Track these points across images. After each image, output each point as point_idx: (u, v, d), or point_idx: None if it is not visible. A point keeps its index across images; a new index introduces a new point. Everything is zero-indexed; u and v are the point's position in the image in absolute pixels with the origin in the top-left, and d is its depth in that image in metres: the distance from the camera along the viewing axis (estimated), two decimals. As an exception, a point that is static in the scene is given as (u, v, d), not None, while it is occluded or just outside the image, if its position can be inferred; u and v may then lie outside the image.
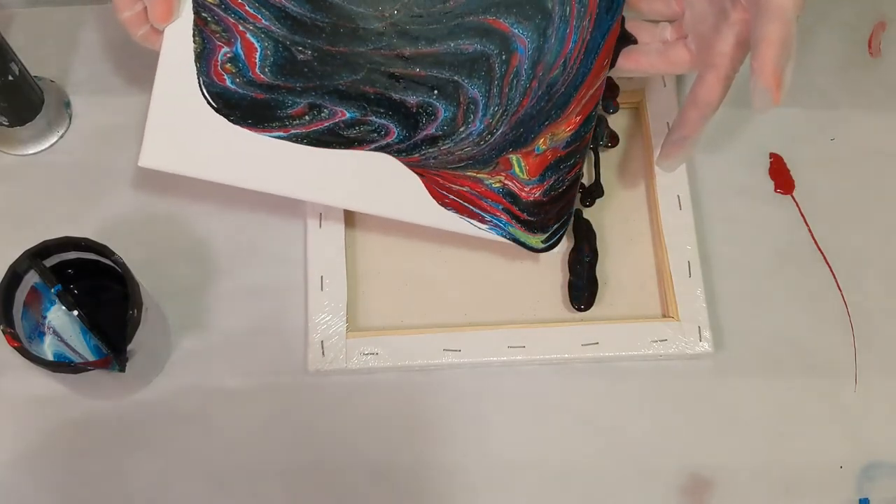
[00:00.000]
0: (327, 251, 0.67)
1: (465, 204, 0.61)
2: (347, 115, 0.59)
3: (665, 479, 0.64)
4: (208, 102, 0.58)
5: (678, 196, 0.69)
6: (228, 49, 0.58)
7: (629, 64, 0.61)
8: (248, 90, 0.59)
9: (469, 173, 0.60)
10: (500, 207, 0.61)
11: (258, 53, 0.58)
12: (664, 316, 0.67)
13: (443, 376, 0.66)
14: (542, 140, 0.60)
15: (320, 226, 0.68)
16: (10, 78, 0.66)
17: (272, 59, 0.59)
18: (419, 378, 0.66)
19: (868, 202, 0.71)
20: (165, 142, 0.59)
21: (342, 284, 0.67)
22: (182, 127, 0.59)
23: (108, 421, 0.65)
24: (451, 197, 0.61)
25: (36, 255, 0.59)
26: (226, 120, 0.58)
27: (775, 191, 0.71)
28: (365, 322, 0.67)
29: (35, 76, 0.70)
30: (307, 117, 0.59)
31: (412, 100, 0.60)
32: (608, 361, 0.66)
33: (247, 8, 0.58)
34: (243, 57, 0.58)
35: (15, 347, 0.58)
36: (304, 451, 0.65)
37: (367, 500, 0.64)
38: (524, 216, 0.62)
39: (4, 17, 0.74)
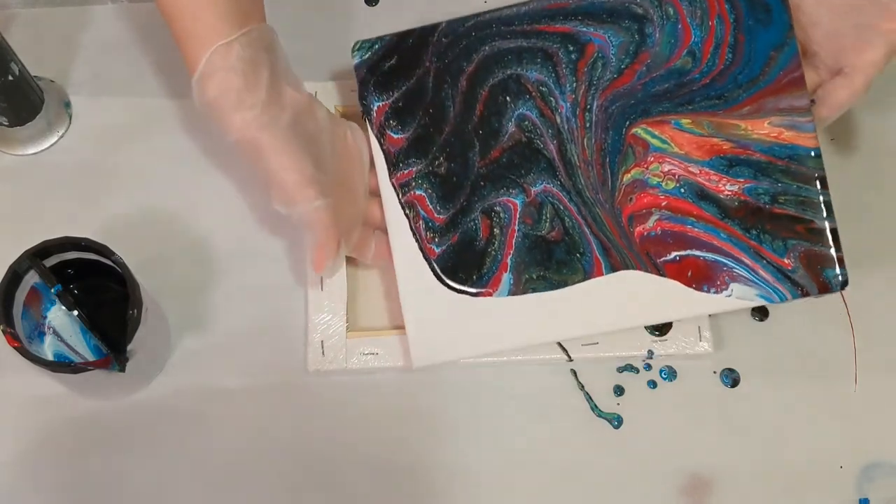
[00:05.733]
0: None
1: (688, 253, 0.59)
2: (517, 202, 0.61)
3: (665, 479, 0.64)
4: (442, 282, 0.62)
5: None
6: (421, 223, 0.63)
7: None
8: (446, 240, 0.63)
9: (624, 178, 0.59)
10: (717, 231, 0.58)
11: (427, 199, 0.63)
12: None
13: (442, 376, 0.66)
14: (685, 120, 0.58)
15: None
16: (10, 78, 0.66)
17: (434, 194, 0.63)
18: (419, 378, 0.66)
19: (868, 202, 0.71)
20: (426, 339, 0.63)
21: (342, 284, 0.67)
22: (433, 320, 0.63)
23: (108, 421, 0.65)
24: (674, 255, 0.59)
25: (36, 255, 0.59)
26: (466, 296, 0.62)
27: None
28: (365, 322, 0.67)
29: (35, 76, 0.70)
30: (496, 230, 0.62)
31: (512, 128, 0.62)
32: (608, 361, 0.66)
33: (403, 171, 0.64)
34: (425, 214, 0.63)
35: (15, 347, 0.58)
36: (305, 451, 0.65)
37: (366, 500, 0.64)
38: (744, 237, 0.58)
39: (4, 17, 0.74)
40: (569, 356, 0.65)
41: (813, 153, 0.58)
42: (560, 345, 0.65)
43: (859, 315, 0.68)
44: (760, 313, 0.68)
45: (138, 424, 0.65)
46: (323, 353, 0.65)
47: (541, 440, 0.65)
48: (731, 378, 0.66)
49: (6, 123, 0.69)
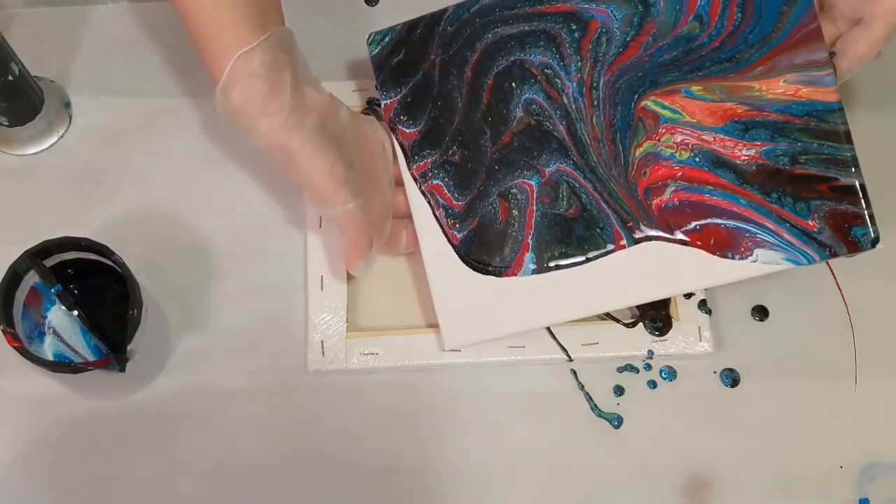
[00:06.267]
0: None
1: (708, 222, 0.58)
2: (533, 183, 0.62)
3: (665, 479, 0.64)
4: (467, 264, 0.63)
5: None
6: (441, 210, 0.64)
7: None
8: (466, 225, 0.64)
9: (636, 153, 0.59)
10: (736, 198, 0.57)
11: (445, 187, 0.64)
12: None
13: (442, 376, 0.66)
14: (696, 87, 0.57)
15: (320, 225, 0.68)
16: (10, 78, 0.66)
17: (451, 182, 0.64)
18: (419, 378, 0.66)
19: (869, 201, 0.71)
20: (456, 322, 0.64)
21: (342, 284, 0.67)
22: (462, 303, 0.63)
23: (108, 421, 0.65)
24: (694, 224, 0.59)
25: (36, 255, 0.59)
26: (493, 277, 0.63)
27: (775, 191, 0.71)
28: (365, 322, 0.67)
29: (35, 76, 0.70)
30: (515, 212, 0.62)
31: (520, 113, 0.62)
32: (608, 361, 0.66)
33: (419, 163, 0.64)
34: (444, 202, 0.64)
35: (15, 347, 0.58)
36: (305, 451, 0.65)
37: (366, 500, 0.64)
38: (765, 201, 0.56)
39: (4, 17, 0.74)
40: (569, 356, 0.65)
41: (835, 107, 0.56)
42: (560, 344, 0.65)
43: (859, 315, 0.68)
44: (760, 313, 0.68)
45: (138, 424, 0.65)
46: (323, 353, 0.65)
47: (541, 440, 0.65)
48: (731, 378, 0.66)
49: (6, 123, 0.69)
